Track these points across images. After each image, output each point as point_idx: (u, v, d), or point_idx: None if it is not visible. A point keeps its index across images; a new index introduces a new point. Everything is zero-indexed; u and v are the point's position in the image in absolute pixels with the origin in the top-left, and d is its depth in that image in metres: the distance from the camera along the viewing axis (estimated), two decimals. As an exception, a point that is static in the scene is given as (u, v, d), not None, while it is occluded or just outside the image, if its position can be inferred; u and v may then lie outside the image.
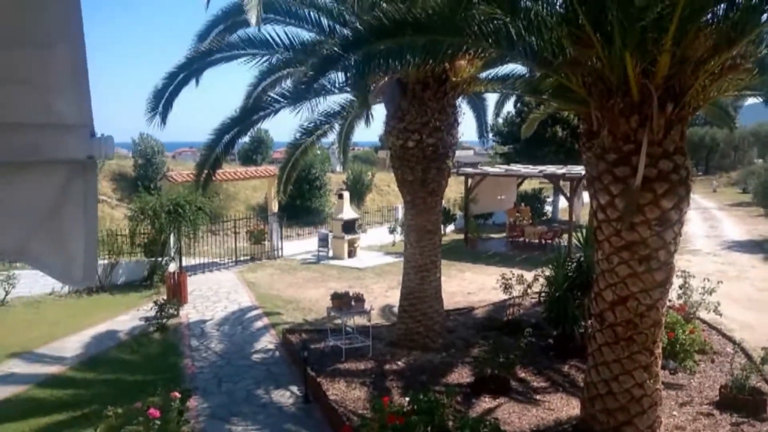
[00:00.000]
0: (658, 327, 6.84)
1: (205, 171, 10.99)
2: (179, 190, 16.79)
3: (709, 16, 6.09)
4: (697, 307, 11.12)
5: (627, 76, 6.16)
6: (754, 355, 9.59)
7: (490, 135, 25.14)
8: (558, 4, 7.01)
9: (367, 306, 10.84)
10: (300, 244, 23.15)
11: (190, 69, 10.22)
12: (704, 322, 11.53)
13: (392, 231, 23.62)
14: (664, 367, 8.35)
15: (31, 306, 14.22)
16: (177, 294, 14.02)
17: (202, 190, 14.02)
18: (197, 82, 10.58)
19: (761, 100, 10.81)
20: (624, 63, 6.05)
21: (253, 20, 7.29)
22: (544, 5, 7.04)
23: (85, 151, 1.34)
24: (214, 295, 15.55)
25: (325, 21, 9.91)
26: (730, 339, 10.93)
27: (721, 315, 10.90)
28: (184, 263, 17.27)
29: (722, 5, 6.10)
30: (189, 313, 13.76)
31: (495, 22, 7.23)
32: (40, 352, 10.94)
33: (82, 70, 1.31)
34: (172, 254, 17.19)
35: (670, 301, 8.16)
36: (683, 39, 5.90)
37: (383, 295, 15.14)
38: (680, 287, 11.15)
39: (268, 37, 9.83)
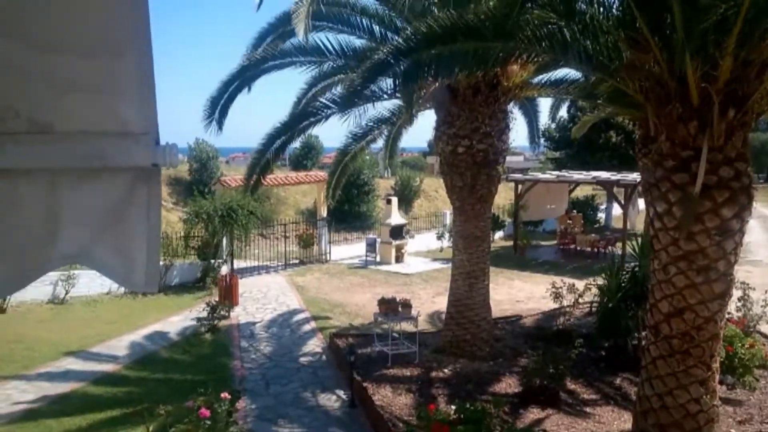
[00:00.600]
0: (716, 340, 6.58)
1: (255, 175, 11.22)
2: (232, 195, 17.16)
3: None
4: (757, 320, 10.64)
5: (686, 81, 5.96)
6: (822, 373, 9.11)
7: (542, 140, 24.79)
8: (614, 7, 6.86)
9: (414, 312, 10.80)
10: (348, 249, 23.30)
11: (244, 76, 10.45)
12: (765, 336, 11.02)
13: (440, 237, 23.50)
14: (721, 382, 8.02)
15: (88, 305, 14.76)
16: (228, 296, 14.31)
17: (252, 194, 14.31)
18: (249, 89, 10.81)
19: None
20: (684, 67, 5.86)
21: (300, 32, 7.40)
22: (600, 8, 6.90)
23: (150, 158, 1.37)
24: (264, 297, 15.80)
25: (376, 28, 9.97)
26: (795, 355, 10.41)
27: (784, 329, 10.41)
28: (235, 266, 17.63)
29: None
30: (239, 314, 14.02)
31: (549, 26, 7.13)
32: (96, 351, 11.33)
33: (149, 79, 1.35)
34: (225, 257, 17.57)
35: (729, 313, 7.83)
36: (747, 41, 5.67)
37: (430, 301, 15.07)
38: (740, 299, 10.68)
39: (320, 44, 9.97)
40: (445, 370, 9.91)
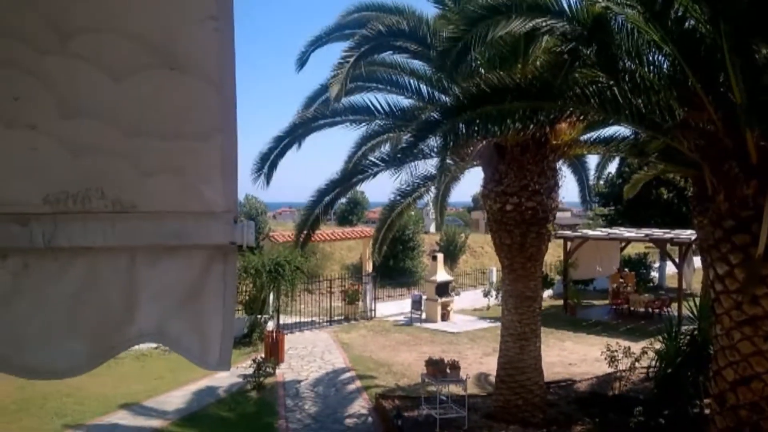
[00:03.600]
0: (790, 412, 6.15)
1: (305, 231, 11.33)
2: (280, 250, 17.35)
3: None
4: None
5: (744, 139, 5.82)
6: None
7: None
8: (665, 66, 6.82)
9: (462, 374, 10.52)
10: (393, 305, 23.11)
11: (295, 134, 10.75)
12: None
13: (486, 294, 23.10)
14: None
15: (138, 359, 14.93)
16: (275, 353, 14.28)
17: (301, 250, 14.43)
18: (300, 145, 11.09)
19: None
20: (741, 125, 5.73)
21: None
22: (650, 67, 6.87)
23: (228, 237, 1.38)
24: (309, 354, 15.69)
25: (424, 88, 10.16)
26: None
27: None
28: (280, 321, 17.65)
29: None
30: (285, 372, 13.93)
31: (597, 84, 7.13)
32: (146, 405, 11.38)
33: (232, 160, 1.38)
34: (271, 312, 17.62)
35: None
36: (808, 99, 5.53)
37: (478, 361, 14.68)
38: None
39: (369, 104, 10.20)
40: (495, 436, 9.54)
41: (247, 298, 17.70)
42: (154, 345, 15.54)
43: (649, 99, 6.84)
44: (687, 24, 6.11)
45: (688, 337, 10.21)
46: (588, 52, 7.16)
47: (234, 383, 12.88)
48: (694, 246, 18.53)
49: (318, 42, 10.41)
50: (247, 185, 19.71)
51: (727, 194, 6.15)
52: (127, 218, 1.37)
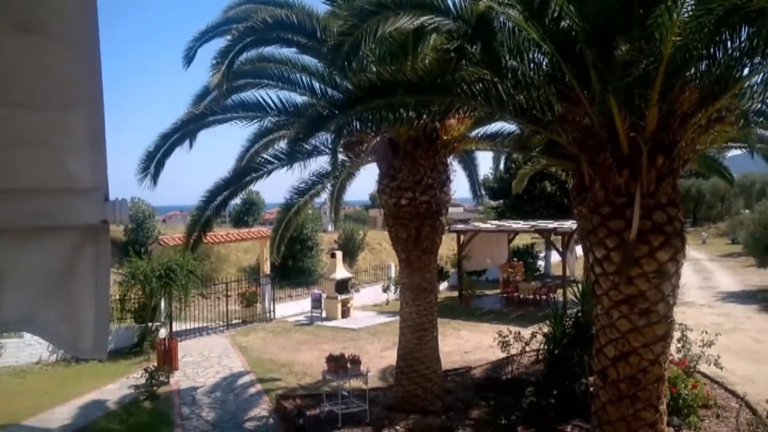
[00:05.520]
0: (662, 382, 6.71)
1: (196, 233, 10.93)
2: (170, 254, 16.64)
3: (692, 71, 6.25)
4: (697, 360, 10.92)
5: (616, 131, 6.26)
6: (759, 409, 9.38)
7: (482, 191, 25.36)
8: (544, 63, 7.20)
9: (363, 368, 10.59)
10: (292, 306, 22.85)
11: (185, 130, 10.32)
12: (705, 376, 11.30)
13: (386, 289, 23.41)
14: (668, 424, 8.12)
15: (17, 376, 13.79)
16: (168, 360, 13.68)
17: (192, 253, 13.91)
18: (191, 143, 10.66)
19: (746, 151, 11.02)
20: (613, 119, 6.16)
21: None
22: (531, 65, 7.23)
23: (99, 215, 1.28)
24: (206, 360, 15.18)
25: (316, 84, 10.10)
26: (734, 393, 10.72)
27: (722, 368, 10.72)
28: (174, 328, 16.95)
29: (704, 61, 6.28)
30: (180, 380, 13.39)
31: (483, 81, 7.40)
32: (26, 425, 10.52)
33: (100, 132, 1.27)
34: (163, 319, 16.88)
35: (670, 355, 8.03)
36: (669, 94, 6.04)
37: (379, 356, 14.84)
38: (679, 341, 10.96)
39: (260, 100, 10.00)
40: (398, 428, 9.68)
41: (136, 305, 16.83)
42: (34, 360, 14.48)
43: (531, 95, 7.21)
44: (563, 24, 6.48)
45: (572, 320, 10.86)
46: (473, 49, 7.42)
47: (125, 395, 12.21)
48: (575, 235, 19.75)
49: (204, 37, 10.05)
50: (133, 187, 18.72)
51: (603, 183, 6.60)
52: None
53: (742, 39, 6.09)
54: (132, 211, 31.07)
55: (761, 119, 7.89)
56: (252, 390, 12.56)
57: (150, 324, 16.44)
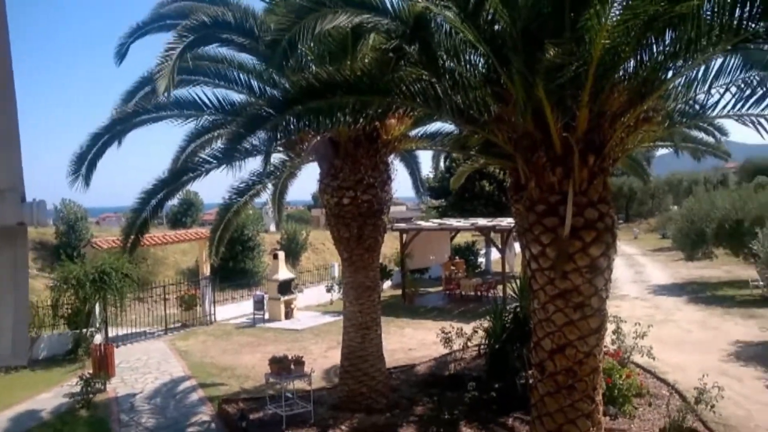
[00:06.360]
0: (597, 373, 6.94)
1: (132, 236, 10.59)
2: (104, 257, 16.08)
3: (621, 73, 6.48)
4: (630, 351, 11.36)
5: (549, 132, 6.43)
6: (688, 396, 9.84)
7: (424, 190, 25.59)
8: (481, 65, 7.32)
9: (307, 369, 10.52)
10: (234, 308, 22.47)
11: (114, 130, 9.99)
12: (639, 366, 11.78)
13: (329, 289, 23.33)
14: (605, 414, 8.42)
15: (-63, 390, 13.03)
16: (104, 367, 13.23)
17: (129, 255, 13.49)
18: (120, 142, 10.32)
19: (672, 150, 11.54)
20: (546, 119, 6.33)
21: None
22: (467, 66, 7.33)
23: (16, 216, 1.22)
24: (144, 366, 14.74)
25: (255, 83, 9.96)
26: (665, 381, 11.22)
27: (654, 358, 11.19)
28: (110, 334, 16.40)
29: (632, 64, 6.52)
30: (117, 387, 12.96)
31: (422, 82, 7.46)
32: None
33: (11, 129, 1.20)
34: (98, 325, 16.31)
35: (605, 347, 8.32)
36: (599, 95, 6.25)
37: (323, 356, 14.78)
38: (613, 332, 11.38)
39: (196, 98, 9.79)
40: (342, 427, 9.67)
41: (69, 311, 16.19)
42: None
43: (468, 96, 7.31)
44: (498, 26, 6.61)
45: (512, 315, 11.11)
46: (412, 50, 7.47)
47: (61, 404, 11.75)
48: (513, 232, 20.22)
49: (136, 33, 9.74)
50: (67, 191, 18.00)
51: (538, 182, 6.76)
52: None
53: (667, 43, 6.35)
54: (63, 213, 29.83)
55: (685, 119, 8.26)
56: (193, 395, 12.28)
57: (84, 330, 15.88)
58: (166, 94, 8.69)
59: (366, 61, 8.87)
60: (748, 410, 9.95)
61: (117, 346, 15.38)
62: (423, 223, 26.44)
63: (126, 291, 16.08)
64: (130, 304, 18.25)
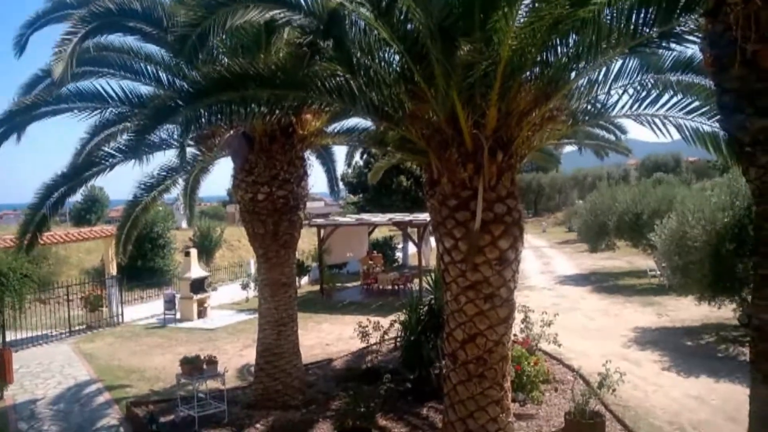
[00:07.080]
0: (506, 361, 7.22)
1: (30, 234, 9.97)
2: (1, 257, 15.04)
3: (528, 73, 6.76)
4: (538, 339, 11.87)
5: (461, 129, 6.62)
6: (592, 380, 10.42)
7: (341, 185, 25.64)
8: (395, 62, 7.42)
9: (220, 368, 10.31)
10: (144, 308, 21.66)
11: (11, 123, 9.35)
12: (546, 353, 12.33)
13: (245, 287, 22.92)
14: (514, 400, 8.78)
15: None
16: (1, 373, 12.41)
17: (27, 254, 12.69)
18: (19, 137, 9.68)
19: (576, 147, 12.16)
20: (457, 116, 6.51)
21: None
22: (382, 63, 7.41)
23: None
24: (46, 370, 13.95)
25: (163, 75, 9.61)
26: (570, 367, 11.83)
27: (560, 345, 11.78)
28: (8, 338, 15.39)
29: (538, 64, 6.82)
30: (16, 393, 12.20)
31: (337, 78, 7.47)
32: None
33: None
34: (-7, 330, 15.25)
35: (514, 335, 8.66)
36: (507, 94, 6.49)
37: (238, 354, 14.53)
38: (522, 321, 11.85)
39: (100, 89, 9.35)
40: (258, 426, 9.56)
41: (-40, 316, 15.03)
42: None
43: (383, 93, 7.38)
44: (411, 24, 6.72)
45: (427, 307, 11.35)
46: (326, 45, 7.46)
47: (-52, 417, 10.89)
48: (429, 227, 20.64)
49: (36, 23, 9.17)
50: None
51: (450, 177, 6.95)
52: None
53: (570, 45, 6.68)
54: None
55: (588, 118, 8.71)
56: (100, 399, 11.75)
57: (-23, 336, 14.78)
58: (64, 84, 8.25)
59: (281, 54, 8.78)
60: (645, 392, 10.68)
61: (15, 351, 14.47)
62: (341, 219, 26.48)
63: (25, 292, 15.11)
64: (30, 306, 17.18)
